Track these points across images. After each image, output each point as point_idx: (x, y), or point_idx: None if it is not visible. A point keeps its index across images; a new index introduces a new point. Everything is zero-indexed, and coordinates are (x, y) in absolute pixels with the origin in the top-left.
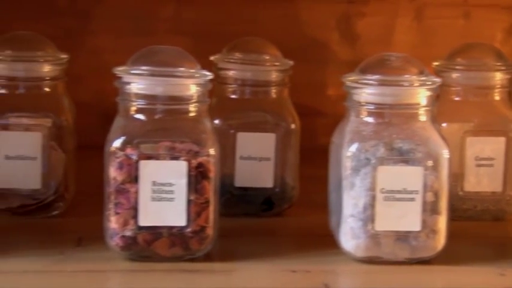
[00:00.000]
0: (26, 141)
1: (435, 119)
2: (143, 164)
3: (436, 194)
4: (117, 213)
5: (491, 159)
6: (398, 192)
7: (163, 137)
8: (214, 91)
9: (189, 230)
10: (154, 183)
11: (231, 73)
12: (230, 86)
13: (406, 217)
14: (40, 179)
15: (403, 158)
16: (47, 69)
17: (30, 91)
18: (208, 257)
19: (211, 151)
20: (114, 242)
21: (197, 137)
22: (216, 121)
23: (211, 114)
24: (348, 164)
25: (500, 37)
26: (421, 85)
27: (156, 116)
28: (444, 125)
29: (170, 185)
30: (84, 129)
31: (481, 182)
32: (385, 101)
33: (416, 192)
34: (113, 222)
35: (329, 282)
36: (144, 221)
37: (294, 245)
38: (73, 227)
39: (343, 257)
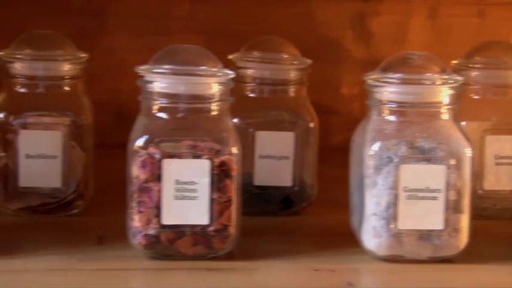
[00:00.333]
0: (46, 140)
1: (457, 117)
2: (166, 162)
3: (459, 193)
4: (140, 212)
5: (511, 157)
6: (421, 190)
7: (185, 136)
8: (233, 90)
9: (211, 228)
10: (177, 182)
11: (249, 72)
12: (249, 84)
13: (428, 216)
14: (60, 177)
15: (425, 156)
16: (66, 68)
17: (50, 90)
18: (229, 256)
19: (234, 150)
20: (137, 240)
21: (219, 136)
22: (235, 120)
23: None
24: (370, 163)
25: None
26: (443, 83)
27: (178, 115)
28: (463, 123)
29: (193, 183)
30: (99, 127)
31: (501, 180)
32: (407, 100)
33: (439, 190)
34: (136, 221)
35: (353, 281)
36: (167, 219)
37: (314, 243)
38: (93, 225)
39: (365, 255)
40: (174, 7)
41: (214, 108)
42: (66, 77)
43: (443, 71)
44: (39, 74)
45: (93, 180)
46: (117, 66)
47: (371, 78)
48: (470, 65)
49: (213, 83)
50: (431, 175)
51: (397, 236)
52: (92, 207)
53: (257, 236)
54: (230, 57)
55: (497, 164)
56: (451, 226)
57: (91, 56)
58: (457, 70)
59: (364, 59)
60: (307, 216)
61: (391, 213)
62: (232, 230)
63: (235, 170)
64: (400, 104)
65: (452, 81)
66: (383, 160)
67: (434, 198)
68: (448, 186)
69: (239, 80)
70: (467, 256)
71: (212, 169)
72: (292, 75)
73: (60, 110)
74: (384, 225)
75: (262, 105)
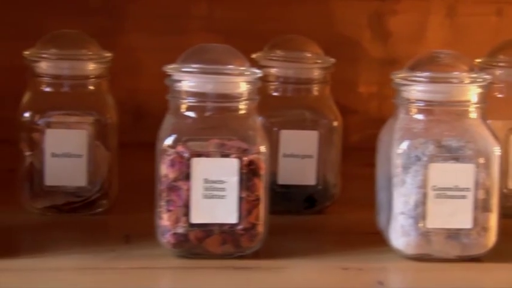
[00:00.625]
0: (72, 139)
1: (485, 116)
2: (195, 161)
3: (487, 192)
4: (169, 211)
5: None
6: (450, 189)
7: (213, 135)
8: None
9: (240, 227)
10: (206, 181)
11: (273, 71)
12: (272, 83)
13: (457, 215)
14: (85, 176)
15: (453, 155)
16: (91, 67)
17: (75, 89)
18: (255, 254)
19: (262, 148)
20: (166, 239)
21: (246, 135)
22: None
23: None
24: (398, 162)
25: None
26: (471, 82)
27: (206, 114)
28: (488, 122)
29: (222, 182)
30: None
31: None
32: (435, 98)
33: (467, 189)
34: (165, 220)
35: (383, 279)
36: (196, 218)
37: (339, 242)
38: (118, 224)
39: (392, 254)
40: (192, 6)
41: (242, 107)
42: (91, 76)
43: (471, 70)
44: (64, 73)
45: (117, 179)
46: (134, 66)
47: (399, 76)
48: (494, 64)
49: (241, 82)
50: (460, 174)
51: (426, 235)
52: (115, 206)
53: (282, 235)
54: (253, 56)
55: None
56: (479, 225)
57: None
58: (480, 69)
59: (382, 57)
60: (330, 215)
61: (419, 212)
62: (261, 228)
63: (264, 168)
64: (428, 102)
65: (480, 79)
66: (411, 159)
67: (463, 197)
68: (477, 185)
69: (262, 79)
70: (496, 255)
71: (241, 168)
72: (316, 74)
73: (84, 109)
74: (412, 224)
75: (285, 104)
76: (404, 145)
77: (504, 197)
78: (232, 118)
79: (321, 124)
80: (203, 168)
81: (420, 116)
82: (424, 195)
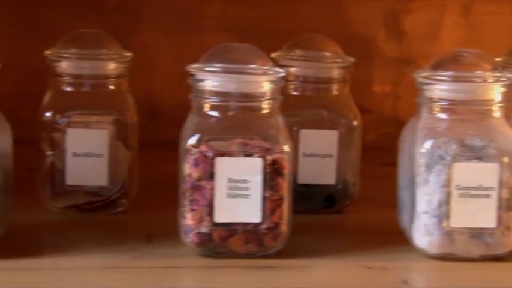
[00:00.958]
0: (93, 138)
1: (509, 115)
2: (219, 161)
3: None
4: (192, 210)
5: None
6: (474, 189)
7: (236, 134)
8: None
9: (264, 226)
10: (229, 180)
11: (292, 70)
12: (292, 83)
13: (481, 214)
14: (106, 176)
15: (477, 154)
16: (111, 67)
17: (96, 89)
18: (278, 254)
19: (285, 148)
20: (189, 238)
21: (269, 134)
22: None
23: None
24: (421, 161)
25: None
26: (495, 81)
27: (230, 113)
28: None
29: (245, 181)
30: None
31: None
32: (458, 97)
33: (491, 188)
34: (188, 219)
35: (407, 279)
36: (220, 217)
37: (360, 241)
38: (139, 223)
39: (415, 253)
40: (206, 6)
41: (265, 106)
42: (112, 76)
43: (494, 69)
44: (85, 72)
45: (137, 179)
46: (149, 65)
47: (422, 75)
48: None
49: (264, 81)
50: (484, 173)
51: (449, 234)
52: (135, 205)
53: (302, 234)
54: (273, 55)
55: None
56: (503, 224)
57: None
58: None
59: (397, 57)
60: (350, 214)
61: (443, 211)
62: (284, 228)
63: (287, 168)
64: (452, 101)
65: (504, 78)
66: (434, 158)
67: (487, 196)
68: (501, 184)
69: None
70: None
71: (264, 167)
72: (335, 73)
73: (105, 108)
74: (435, 223)
75: (305, 103)
76: (427, 144)
77: None
78: (255, 117)
79: (340, 123)
80: (227, 168)
81: (443, 115)
82: (447, 194)
